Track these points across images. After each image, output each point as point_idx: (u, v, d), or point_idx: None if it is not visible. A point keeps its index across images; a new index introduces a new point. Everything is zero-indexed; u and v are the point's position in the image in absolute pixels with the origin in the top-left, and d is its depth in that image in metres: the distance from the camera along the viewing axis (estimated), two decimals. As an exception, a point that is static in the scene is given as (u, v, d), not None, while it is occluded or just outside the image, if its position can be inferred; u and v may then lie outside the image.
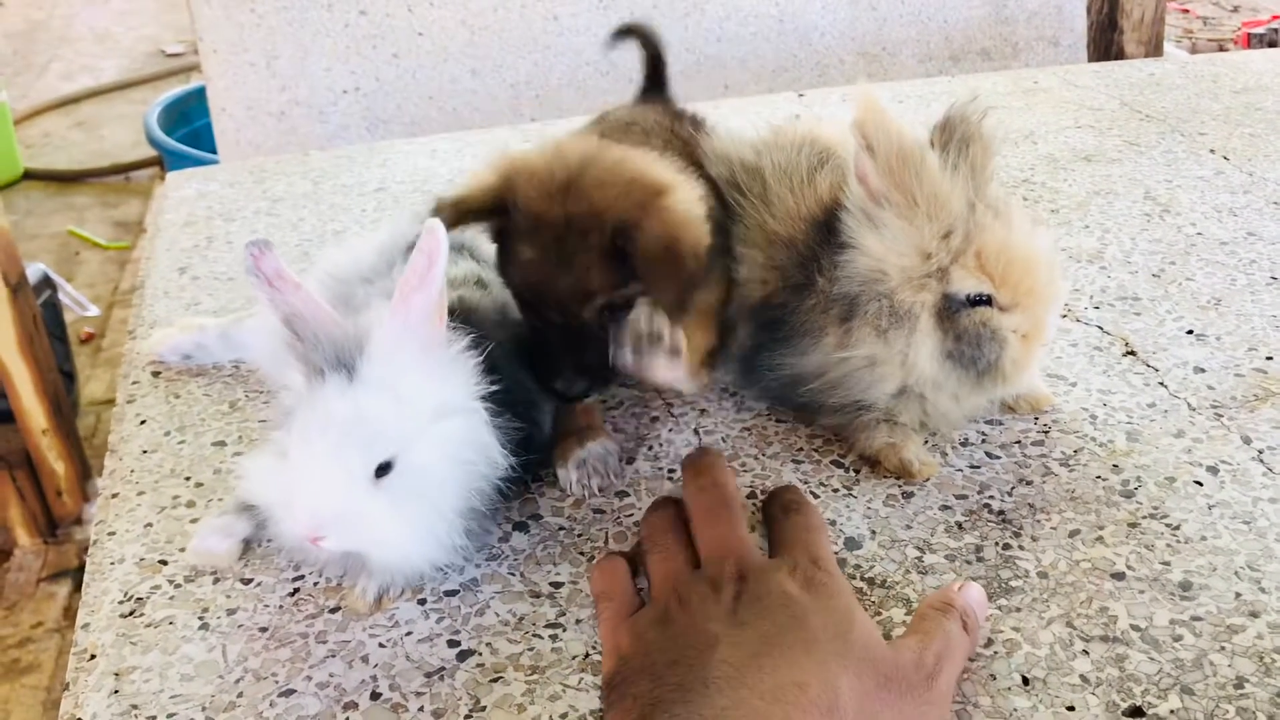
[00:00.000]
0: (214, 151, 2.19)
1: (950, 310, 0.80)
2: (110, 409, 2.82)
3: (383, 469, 0.69)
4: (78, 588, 2.24)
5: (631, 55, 1.18)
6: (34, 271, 2.63)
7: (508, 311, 0.87)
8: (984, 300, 0.80)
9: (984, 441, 0.88)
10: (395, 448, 0.69)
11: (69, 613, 2.21)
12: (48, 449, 2.34)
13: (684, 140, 0.98)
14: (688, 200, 0.83)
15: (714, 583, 0.68)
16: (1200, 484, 0.83)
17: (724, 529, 0.74)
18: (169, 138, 2.80)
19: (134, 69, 5.05)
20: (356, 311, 0.87)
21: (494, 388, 0.75)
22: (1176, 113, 1.50)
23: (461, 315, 0.80)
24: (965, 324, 0.80)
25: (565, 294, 0.80)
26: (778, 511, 0.76)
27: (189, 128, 2.87)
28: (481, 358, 0.76)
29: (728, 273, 0.90)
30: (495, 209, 0.82)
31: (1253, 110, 1.50)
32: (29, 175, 4.04)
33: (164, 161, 2.83)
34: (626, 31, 1.18)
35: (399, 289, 0.70)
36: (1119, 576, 0.75)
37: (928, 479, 0.84)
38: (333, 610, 0.75)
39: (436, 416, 0.71)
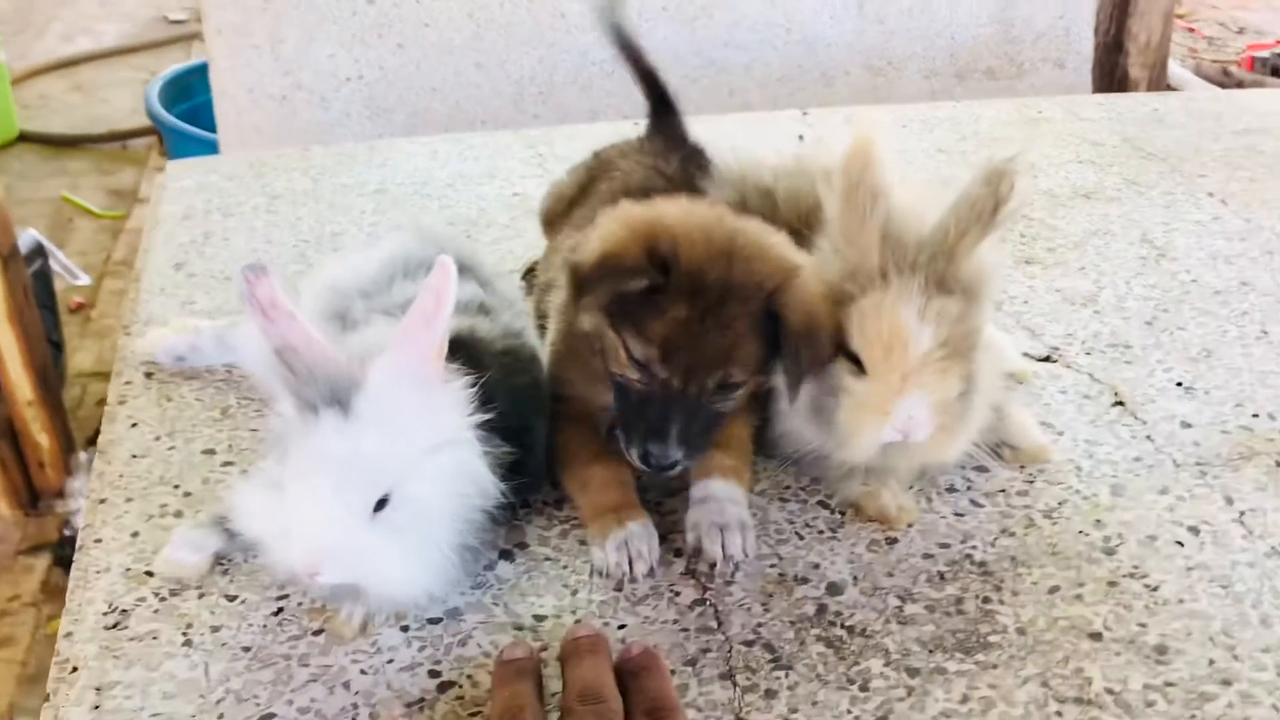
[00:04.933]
0: (213, 129, 2.18)
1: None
2: (97, 380, 2.81)
3: (379, 504, 0.69)
4: (56, 562, 2.24)
5: None
6: (26, 239, 2.61)
7: (509, 337, 0.87)
8: (852, 356, 0.80)
9: (969, 489, 0.89)
10: (391, 483, 0.69)
11: (46, 586, 2.20)
12: (32, 420, 2.32)
13: (668, 177, 0.99)
14: (817, 281, 0.83)
15: None
16: (1181, 544, 0.83)
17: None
18: (170, 111, 2.79)
19: (136, 34, 5.01)
20: (353, 326, 0.88)
21: (488, 416, 0.76)
22: (1178, 151, 1.51)
23: (463, 344, 0.80)
24: (829, 371, 0.82)
25: (710, 356, 0.80)
26: (640, 717, 0.67)
27: (189, 103, 2.85)
28: (478, 386, 0.76)
29: None
30: (651, 266, 0.80)
31: (1253, 153, 1.50)
32: (24, 137, 4.01)
33: (162, 137, 2.81)
34: (619, 41, 1.13)
35: (403, 327, 0.70)
36: (1096, 636, 0.75)
37: (909, 525, 0.85)
38: (316, 632, 0.75)
39: (432, 450, 0.72)
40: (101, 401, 2.61)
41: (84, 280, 3.16)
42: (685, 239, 0.81)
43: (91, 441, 2.47)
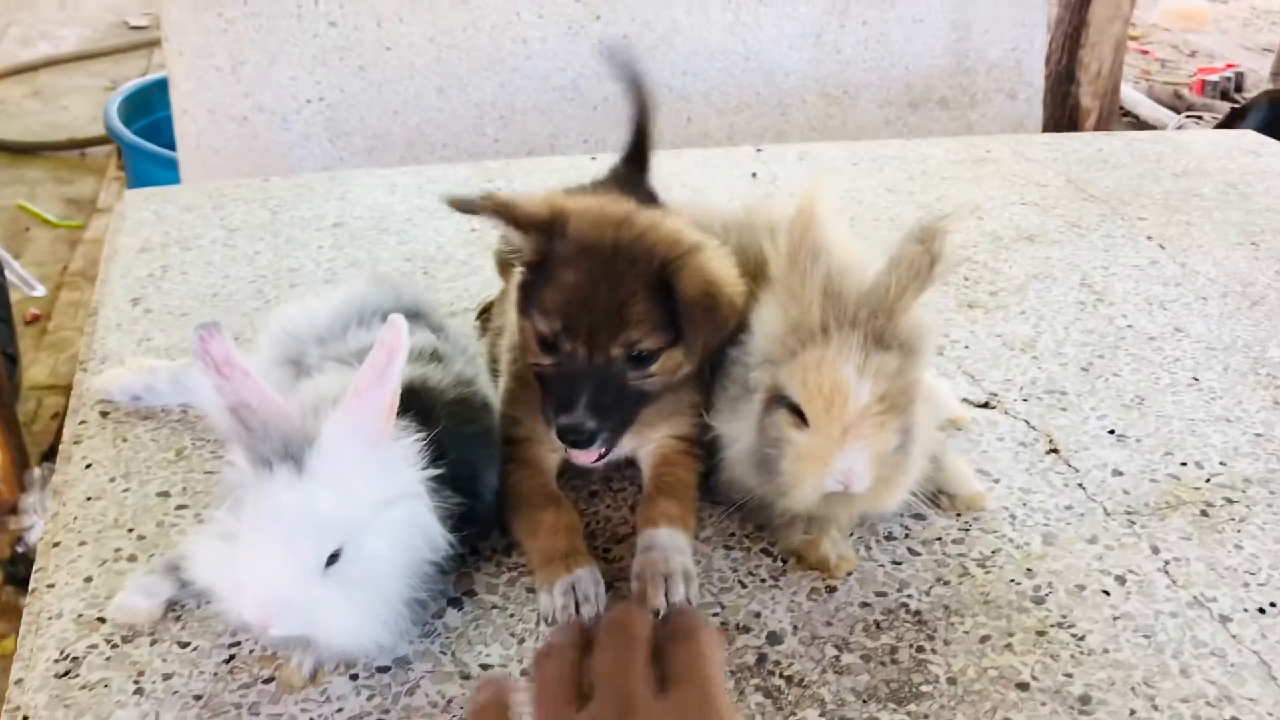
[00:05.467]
0: (174, 145, 2.18)
1: (773, 403, 0.84)
2: (53, 394, 2.80)
3: (331, 558, 0.71)
4: (9, 579, 2.23)
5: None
6: (-18, 251, 2.60)
7: (461, 386, 0.89)
8: (794, 408, 0.83)
9: (907, 536, 0.92)
10: (343, 538, 0.71)
11: (-4, 603, 2.20)
12: (-14, 436, 2.31)
13: None
14: (721, 257, 0.89)
15: None
16: (1108, 593, 0.87)
17: (617, 665, 0.64)
18: (130, 125, 2.78)
19: (96, 39, 4.98)
20: (308, 373, 0.90)
21: (439, 470, 0.78)
22: (1119, 194, 1.55)
23: (414, 393, 0.82)
24: (768, 420, 0.84)
25: (602, 320, 0.84)
26: (666, 640, 0.66)
27: (150, 118, 2.85)
28: (430, 436, 0.78)
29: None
30: (542, 227, 0.86)
31: (1191, 196, 1.55)
32: (-20, 143, 3.98)
33: (122, 152, 2.80)
34: (624, 72, 1.14)
35: (355, 383, 0.72)
36: (1023, 687, 0.78)
37: (849, 573, 0.88)
38: (266, 681, 0.77)
39: (383, 505, 0.73)
40: (56, 415, 2.59)
41: (40, 291, 3.14)
42: (577, 215, 0.88)
43: (46, 456, 2.46)
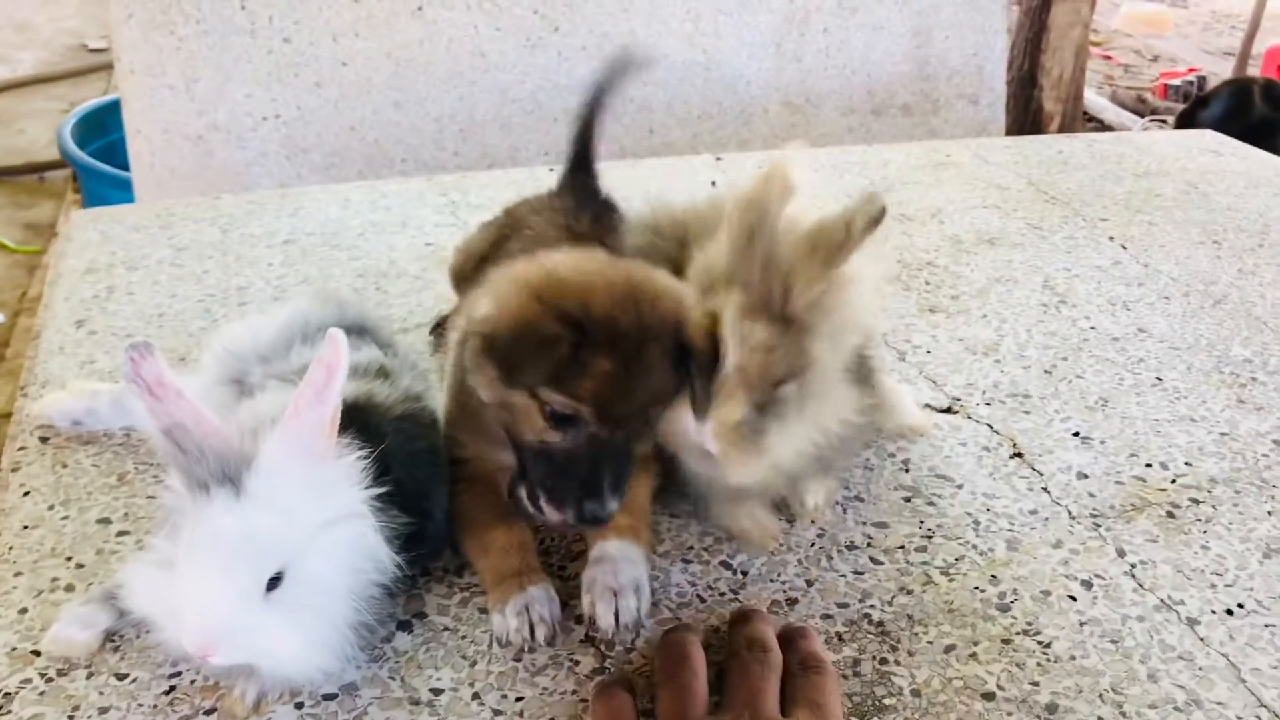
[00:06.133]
0: (129, 167, 2.15)
1: None
2: (9, 424, 2.75)
3: (273, 582, 0.68)
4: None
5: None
6: (-65, 279, 2.55)
7: (408, 402, 0.87)
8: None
9: (869, 545, 0.90)
10: (284, 561, 0.69)
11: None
12: (-59, 466, 2.27)
13: (578, 235, 0.99)
14: (686, 291, 0.85)
15: None
16: (1074, 599, 0.85)
17: (755, 685, 0.73)
18: (85, 147, 2.75)
19: (54, 62, 4.94)
20: (250, 392, 0.87)
21: (385, 488, 0.75)
22: (1080, 195, 1.55)
23: (359, 410, 0.80)
24: None
25: (639, 407, 0.80)
26: (796, 667, 0.75)
27: (105, 139, 2.82)
28: (376, 454, 0.76)
29: None
30: (568, 328, 0.78)
31: (1153, 197, 1.54)
32: (-64, 169, 3.92)
33: (77, 174, 2.77)
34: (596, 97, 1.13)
35: (294, 402, 0.69)
36: (989, 697, 0.76)
37: (769, 549, 0.87)
38: (208, 711, 0.74)
39: (326, 526, 0.71)
40: (13, 446, 2.53)
41: (-3, 318, 3.09)
42: (589, 291, 0.80)
43: (4, 486, 2.41)
